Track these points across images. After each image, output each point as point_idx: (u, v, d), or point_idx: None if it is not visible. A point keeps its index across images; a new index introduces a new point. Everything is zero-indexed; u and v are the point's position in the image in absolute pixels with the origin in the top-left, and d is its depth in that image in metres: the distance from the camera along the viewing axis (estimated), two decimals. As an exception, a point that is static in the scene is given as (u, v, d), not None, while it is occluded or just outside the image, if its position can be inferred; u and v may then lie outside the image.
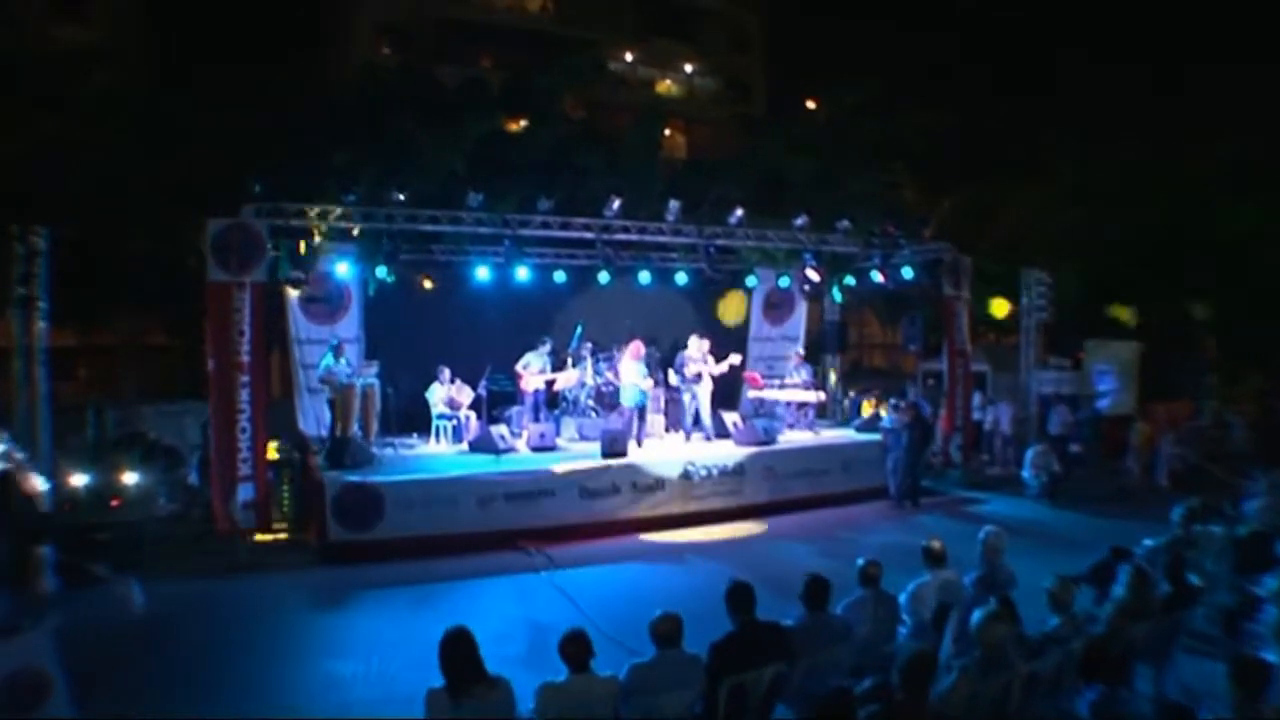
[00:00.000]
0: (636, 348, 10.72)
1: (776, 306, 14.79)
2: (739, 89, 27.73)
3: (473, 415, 10.92)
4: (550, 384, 11.34)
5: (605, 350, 12.02)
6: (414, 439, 11.10)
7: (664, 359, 11.79)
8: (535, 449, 10.04)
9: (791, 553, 8.68)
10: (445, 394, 10.89)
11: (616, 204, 10.30)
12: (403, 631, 6.59)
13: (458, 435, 10.75)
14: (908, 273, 12.25)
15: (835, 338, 14.64)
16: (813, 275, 12.10)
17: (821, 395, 12.52)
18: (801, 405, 12.52)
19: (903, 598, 5.09)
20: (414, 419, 11.22)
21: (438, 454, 10.25)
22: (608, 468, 9.32)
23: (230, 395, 8.44)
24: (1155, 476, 12.36)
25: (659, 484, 9.61)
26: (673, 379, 11.63)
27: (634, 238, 10.90)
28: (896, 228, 11.98)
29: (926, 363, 15.48)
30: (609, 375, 11.77)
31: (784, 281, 13.87)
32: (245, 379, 8.53)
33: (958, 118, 14.79)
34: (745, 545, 9.01)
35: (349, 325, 11.43)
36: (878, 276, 12.32)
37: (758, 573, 7.56)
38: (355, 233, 9.49)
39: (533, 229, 10.22)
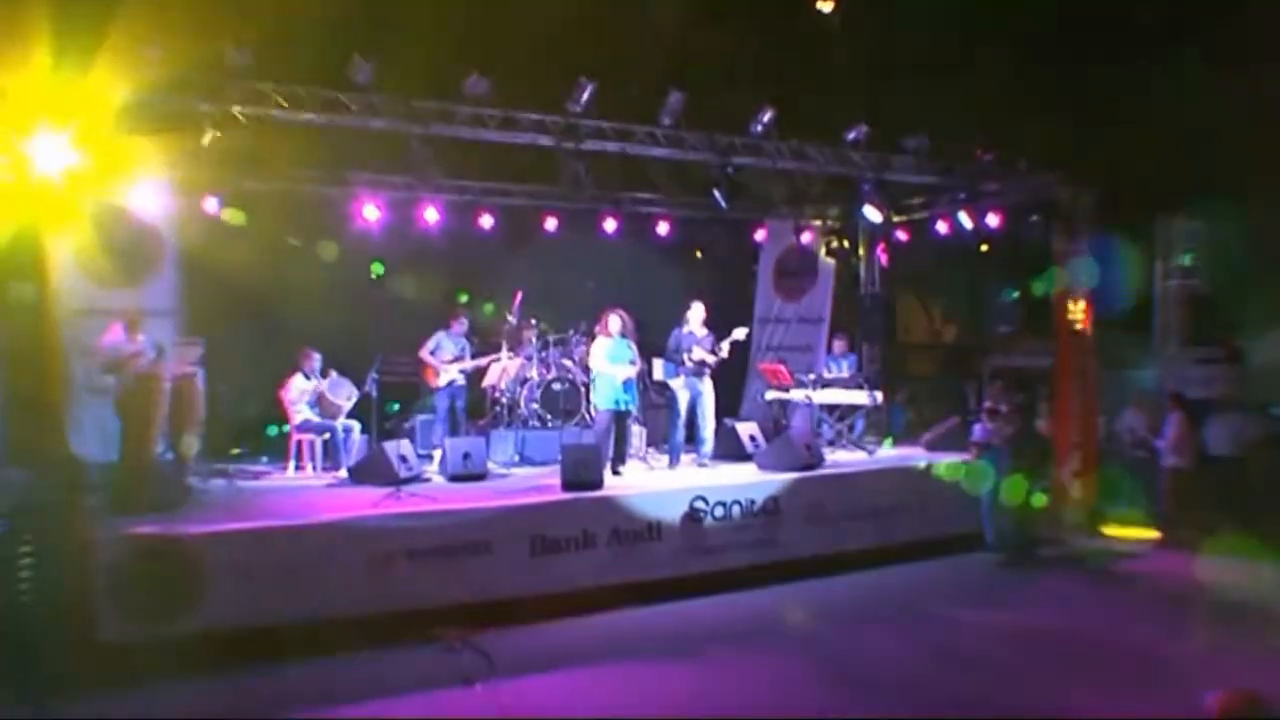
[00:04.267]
0: (615, 321, 9.40)
1: (793, 274, 13.52)
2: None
3: (355, 426, 9.75)
4: (474, 378, 10.39)
5: (559, 330, 11.25)
6: (261, 463, 10.18)
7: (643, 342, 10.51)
8: (455, 477, 8.92)
9: (873, 645, 7.25)
10: (311, 392, 9.63)
11: (588, 91, 8.60)
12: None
13: (333, 457, 9.60)
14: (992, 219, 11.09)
15: (878, 319, 13.32)
16: (873, 214, 10.64)
17: (878, 396, 11.09)
18: (844, 414, 11.25)
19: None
20: (261, 432, 10.47)
21: (299, 486, 9.14)
22: (573, 506, 8.15)
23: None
24: None
25: (653, 530, 8.37)
26: (657, 371, 10.46)
27: (614, 148, 9.27)
28: (988, 149, 10.58)
29: (996, 357, 13.89)
30: (567, 364, 10.87)
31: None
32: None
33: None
34: (795, 629, 7.73)
35: (158, 289, 9.85)
36: (960, 222, 11.06)
37: (838, 683, 6.38)
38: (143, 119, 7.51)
39: (457, 125, 8.55)
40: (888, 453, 11.05)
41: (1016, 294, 11.30)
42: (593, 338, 10.10)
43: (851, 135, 9.98)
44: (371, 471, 8.71)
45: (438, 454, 9.50)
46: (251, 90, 7.82)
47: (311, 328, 10.25)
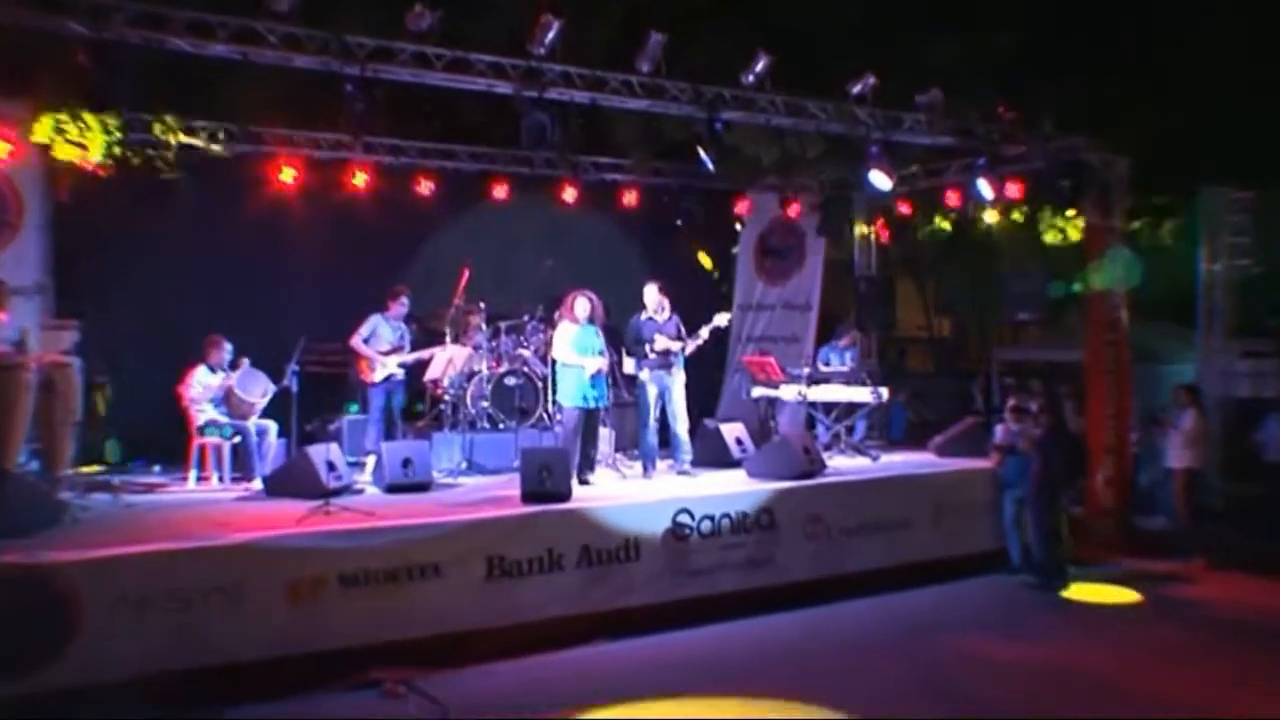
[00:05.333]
0: (583, 304, 9.28)
1: (777, 254, 13.54)
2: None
3: (272, 427, 9.54)
4: (415, 370, 10.14)
5: (512, 316, 11.12)
6: (154, 473, 9.94)
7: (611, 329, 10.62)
8: (393, 488, 8.78)
9: (883, 684, 7.10)
10: (218, 387, 9.40)
11: (554, 30, 8.38)
12: None
13: (244, 464, 9.39)
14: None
15: (875, 304, 13.42)
16: (880, 180, 10.36)
17: (883, 394, 10.91)
18: (843, 413, 11.08)
19: None
20: (154, 435, 10.15)
21: (203, 500, 8.87)
22: (536, 521, 7.99)
23: None
24: None
25: (630, 549, 8.26)
26: (627, 364, 10.33)
27: (583, 97, 9.10)
28: (1010, 108, 10.47)
29: (1004, 350, 13.87)
30: (522, 354, 10.76)
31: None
32: None
33: None
34: (799, 667, 7.50)
35: (20, 259, 9.60)
36: (978, 191, 10.87)
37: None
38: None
39: (397, 66, 8.30)
40: (894, 457, 11.01)
41: (1077, 287, 11.09)
42: (551, 324, 10.09)
43: (857, 88, 9.83)
44: (292, 482, 8.50)
45: (371, 461, 9.31)
46: (143, 14, 7.42)
47: (216, 309, 10.07)
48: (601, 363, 9.15)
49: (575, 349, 9.04)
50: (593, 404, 9.14)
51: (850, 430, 11.10)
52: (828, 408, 11.02)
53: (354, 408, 10.26)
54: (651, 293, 9.68)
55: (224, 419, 9.31)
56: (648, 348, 9.47)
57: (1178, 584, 9.64)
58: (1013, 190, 10.98)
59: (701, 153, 9.54)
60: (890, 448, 11.76)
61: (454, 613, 7.47)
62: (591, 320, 9.17)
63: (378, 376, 9.75)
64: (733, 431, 10.30)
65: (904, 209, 12.47)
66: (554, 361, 9.49)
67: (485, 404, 10.40)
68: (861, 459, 10.61)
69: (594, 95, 9.11)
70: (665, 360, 9.49)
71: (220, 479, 9.31)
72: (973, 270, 15.02)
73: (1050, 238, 11.46)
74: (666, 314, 9.65)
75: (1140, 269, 10.59)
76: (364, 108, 8.23)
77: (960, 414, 12.18)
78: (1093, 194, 10.51)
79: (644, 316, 9.63)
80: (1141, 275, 10.60)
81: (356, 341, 9.74)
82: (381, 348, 9.77)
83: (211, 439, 9.28)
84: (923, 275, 16.61)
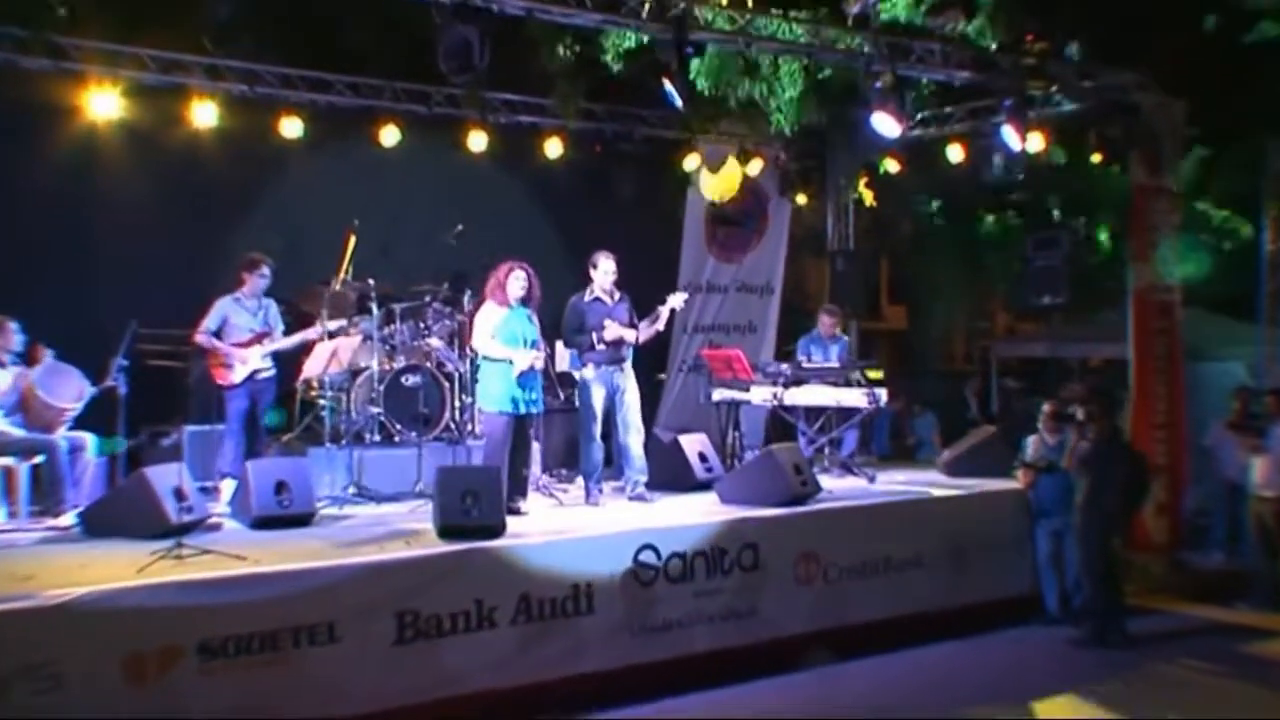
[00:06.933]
0: (518, 278, 9.09)
1: (734, 222, 13.59)
2: None
3: (89, 441, 9.11)
4: (287, 365, 9.93)
5: (407, 297, 10.79)
6: None
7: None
8: (263, 522, 8.42)
9: None
10: (8, 388, 8.96)
11: None
12: None
13: (50, 492, 8.88)
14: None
15: (854, 286, 13.32)
16: (886, 125, 10.27)
17: (882, 396, 10.72)
18: (829, 421, 10.94)
19: None
20: None
21: None
22: (460, 564, 7.74)
23: None
24: None
25: (581, 598, 8.12)
26: (561, 358, 10.74)
27: (518, 9, 8.90)
28: (1041, 36, 10.70)
29: (1005, 344, 13.87)
30: (431, 343, 10.49)
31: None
32: None
33: None
34: None
35: None
36: (1003, 141, 10.82)
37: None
38: None
39: None
40: (893, 476, 11.00)
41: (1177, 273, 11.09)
42: (458, 306, 10.18)
43: (857, 8, 9.86)
44: (124, 515, 8.03)
45: (227, 486, 8.96)
46: None
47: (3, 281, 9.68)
48: (535, 357, 8.94)
49: (502, 338, 8.83)
50: (524, 409, 8.93)
51: (837, 443, 11.02)
52: (812, 414, 10.88)
53: (272, 419, 10.06)
54: (607, 266, 9.50)
55: (18, 431, 8.78)
56: (594, 337, 9.31)
57: (1265, 640, 9.57)
58: (1036, 141, 11.08)
59: (667, 85, 9.39)
60: (880, 465, 11.75)
61: (354, 687, 7.06)
62: (525, 301, 8.98)
63: (237, 377, 9.42)
64: (694, 445, 10.21)
65: (893, 165, 12.61)
66: (475, 355, 9.26)
67: (376, 410, 10.08)
68: (855, 480, 10.57)
69: (531, 6, 8.95)
70: (616, 354, 9.36)
71: (11, 514, 8.76)
72: (969, 242, 15.01)
73: None
74: (618, 296, 9.51)
75: (1207, 257, 10.56)
76: (226, 11, 7.98)
77: (963, 424, 12.18)
78: (1144, 149, 10.61)
79: (589, 297, 9.47)
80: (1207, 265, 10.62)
81: (203, 337, 9.42)
82: (239, 338, 9.44)
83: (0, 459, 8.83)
84: (900, 249, 16.62)
